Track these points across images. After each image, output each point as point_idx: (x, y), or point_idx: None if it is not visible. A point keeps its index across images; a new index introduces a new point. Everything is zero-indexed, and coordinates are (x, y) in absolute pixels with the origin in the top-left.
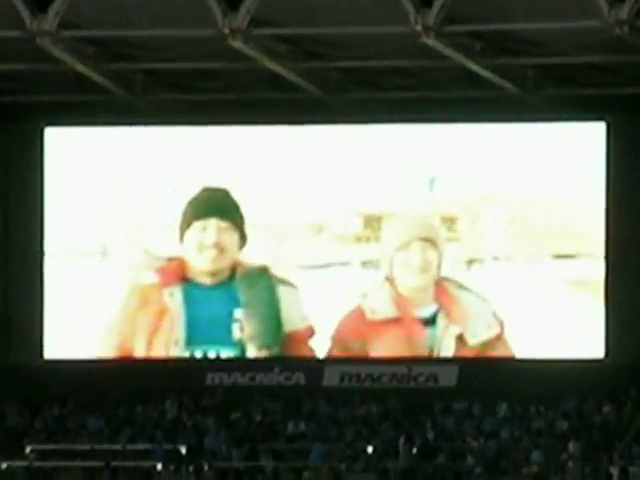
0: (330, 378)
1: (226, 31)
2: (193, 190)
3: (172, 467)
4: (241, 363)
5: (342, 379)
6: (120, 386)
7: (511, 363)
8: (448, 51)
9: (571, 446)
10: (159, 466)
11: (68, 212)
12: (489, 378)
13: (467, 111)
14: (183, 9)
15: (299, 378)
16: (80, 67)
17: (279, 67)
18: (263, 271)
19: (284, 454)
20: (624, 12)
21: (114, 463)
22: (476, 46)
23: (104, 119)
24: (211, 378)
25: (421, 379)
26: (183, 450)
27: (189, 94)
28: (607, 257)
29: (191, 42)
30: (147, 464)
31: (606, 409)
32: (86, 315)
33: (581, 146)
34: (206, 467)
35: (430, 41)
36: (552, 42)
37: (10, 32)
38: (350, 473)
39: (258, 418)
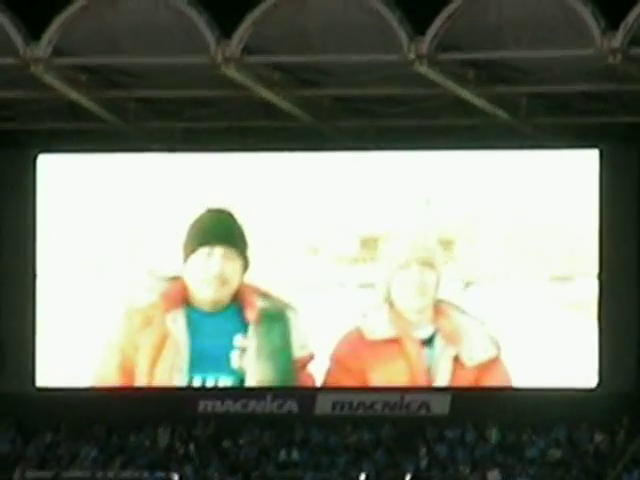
0: (322, 406)
1: (219, 59)
2: (193, 211)
3: None
4: (234, 391)
5: (334, 407)
6: (113, 414)
7: (504, 391)
8: (441, 79)
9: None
10: None
11: (61, 237)
12: (482, 406)
13: (460, 139)
14: (176, 37)
15: (291, 406)
16: (73, 94)
17: (272, 95)
18: (279, 312)
19: None
20: (617, 40)
21: None
22: (469, 74)
23: (97, 146)
24: (204, 406)
25: (413, 407)
26: (176, 478)
27: (182, 122)
28: (600, 280)
29: (184, 70)
30: None
31: (598, 437)
32: (83, 338)
33: (574, 173)
34: None
35: (423, 69)
36: (545, 70)
37: (3, 59)
38: None
39: (250, 446)
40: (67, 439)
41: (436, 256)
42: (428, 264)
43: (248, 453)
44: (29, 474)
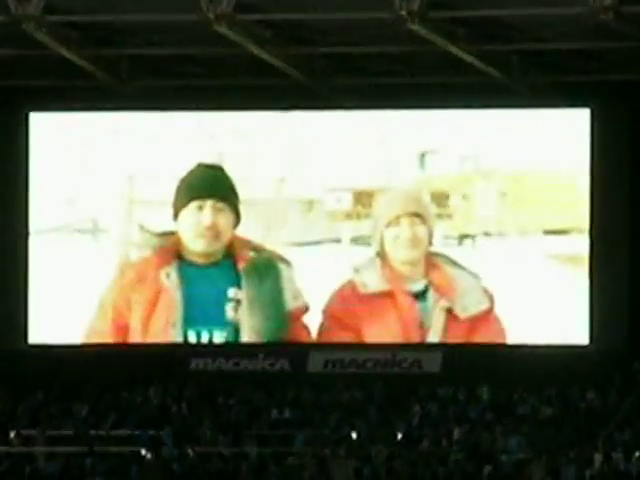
0: (314, 364)
1: (211, 16)
2: (186, 167)
3: (156, 453)
4: (225, 349)
5: (326, 365)
6: (104, 371)
7: (496, 349)
8: (432, 37)
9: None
10: (143, 451)
11: (53, 195)
12: (473, 364)
13: (452, 96)
14: None
15: (283, 364)
16: (65, 52)
17: (264, 53)
18: (269, 262)
19: (269, 440)
20: None
21: (98, 448)
22: (460, 32)
23: (89, 104)
24: (195, 364)
25: (405, 365)
26: (167, 436)
27: (174, 79)
28: (591, 238)
29: (176, 27)
30: (131, 449)
31: (590, 395)
32: (76, 294)
33: (566, 131)
34: (190, 452)
35: (414, 27)
36: (537, 28)
37: None
38: (334, 459)
39: (242, 404)
40: (59, 397)
41: (429, 210)
42: (419, 217)
43: (240, 411)
44: (21, 432)
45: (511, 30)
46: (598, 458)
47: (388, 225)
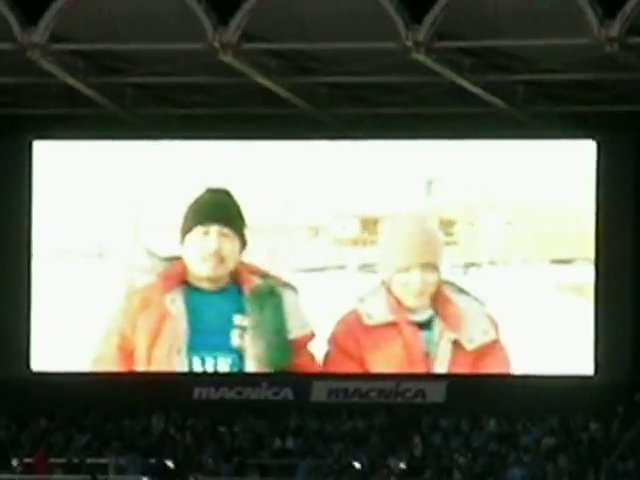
0: (318, 393)
1: (216, 45)
2: (192, 193)
3: None
4: (229, 378)
5: (330, 395)
6: (108, 400)
7: (500, 379)
8: (438, 67)
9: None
10: None
11: (57, 222)
12: (477, 394)
13: (457, 127)
14: (174, 23)
15: (287, 393)
16: (70, 80)
17: (269, 82)
18: (272, 289)
19: (271, 469)
20: (615, 29)
21: (101, 477)
22: (466, 62)
23: (94, 133)
24: (199, 393)
25: (409, 395)
26: (170, 464)
27: (179, 108)
28: (596, 268)
29: (181, 56)
30: (134, 478)
31: (593, 426)
32: (80, 321)
33: (571, 162)
34: None
35: (420, 57)
36: (542, 59)
37: (0, 45)
38: None
39: (245, 433)
40: (62, 425)
41: (440, 253)
42: (432, 266)
43: (243, 440)
44: (24, 460)
45: (517, 61)
46: None
47: (398, 272)
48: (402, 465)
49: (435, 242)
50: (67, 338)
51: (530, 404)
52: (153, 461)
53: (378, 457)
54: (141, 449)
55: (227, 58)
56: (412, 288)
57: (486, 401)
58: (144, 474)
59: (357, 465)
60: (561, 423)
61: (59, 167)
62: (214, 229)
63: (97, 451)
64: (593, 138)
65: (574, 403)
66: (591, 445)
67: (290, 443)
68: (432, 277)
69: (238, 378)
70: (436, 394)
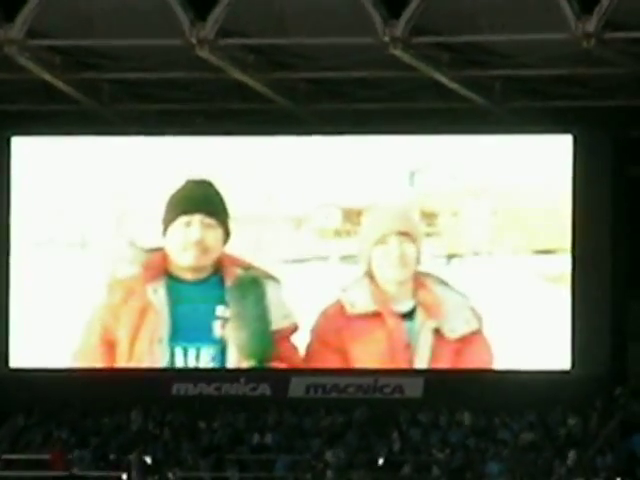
0: (296, 389)
1: (194, 41)
2: (173, 183)
3: (138, 477)
4: (207, 374)
5: (308, 390)
6: (86, 396)
7: (478, 374)
8: (415, 62)
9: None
10: (124, 476)
11: (37, 217)
12: (455, 389)
13: (435, 122)
14: (151, 19)
15: (265, 389)
16: (47, 76)
17: (246, 77)
18: (254, 279)
19: (250, 464)
20: (592, 25)
21: (77, 473)
22: (444, 57)
23: (72, 128)
24: (177, 388)
25: (387, 390)
26: (148, 460)
27: (156, 104)
28: (574, 263)
29: (158, 52)
30: (113, 474)
31: (572, 421)
32: (61, 312)
33: (548, 156)
34: (172, 477)
35: (398, 52)
36: (519, 54)
37: None
38: None
39: (224, 429)
40: (40, 422)
41: (418, 228)
42: (409, 236)
43: (221, 436)
44: (2, 456)
45: (494, 56)
46: None
47: (376, 243)
48: (380, 460)
49: (414, 218)
50: (47, 331)
51: (508, 399)
52: (132, 457)
53: (356, 452)
54: (119, 445)
55: (204, 54)
56: (391, 259)
57: (464, 396)
58: (123, 470)
59: (336, 460)
60: (539, 418)
61: (38, 162)
62: (197, 219)
63: (75, 447)
64: (570, 132)
65: (552, 397)
66: (569, 440)
67: (268, 439)
68: (410, 248)
69: (217, 374)
70: (414, 389)
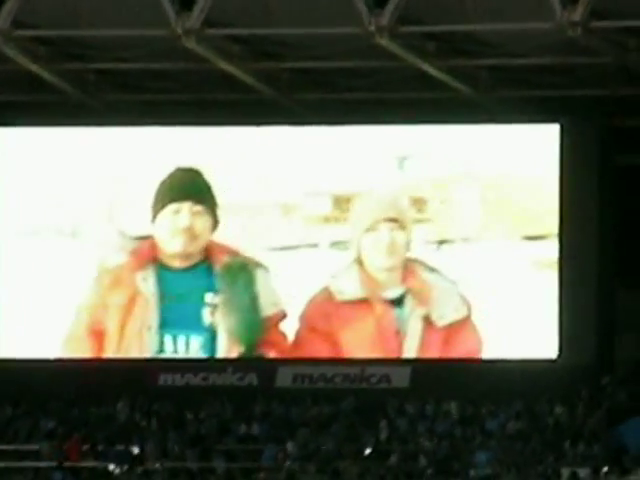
0: (283, 379)
1: (179, 31)
2: (164, 172)
3: (125, 468)
4: (194, 364)
5: (295, 380)
6: (73, 386)
7: (465, 363)
8: (402, 52)
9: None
10: (111, 467)
11: (24, 207)
12: (442, 379)
13: (422, 112)
14: (136, 9)
15: (252, 379)
16: (33, 67)
17: (232, 68)
18: (244, 265)
19: (237, 455)
20: (577, 14)
21: (66, 464)
22: (430, 47)
23: (57, 119)
24: (164, 379)
25: (374, 380)
26: (135, 451)
27: (142, 94)
28: (561, 251)
29: (144, 42)
30: (100, 465)
31: (558, 410)
32: (49, 301)
33: (536, 145)
34: (159, 467)
35: (384, 42)
36: (505, 43)
37: None
38: (303, 474)
39: (211, 419)
40: (27, 412)
41: (407, 215)
42: (399, 223)
43: (208, 426)
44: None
45: (480, 45)
46: (566, 473)
47: (366, 231)
48: (368, 450)
49: (403, 205)
50: (36, 320)
51: (495, 388)
52: (119, 448)
53: (344, 442)
54: (106, 436)
55: (190, 44)
56: (380, 246)
57: (451, 386)
58: (110, 461)
59: (323, 450)
60: (526, 407)
61: (25, 153)
62: (186, 206)
63: (63, 438)
64: (557, 121)
65: (539, 386)
66: (556, 429)
67: (255, 429)
68: (399, 235)
69: (203, 364)
70: (401, 379)
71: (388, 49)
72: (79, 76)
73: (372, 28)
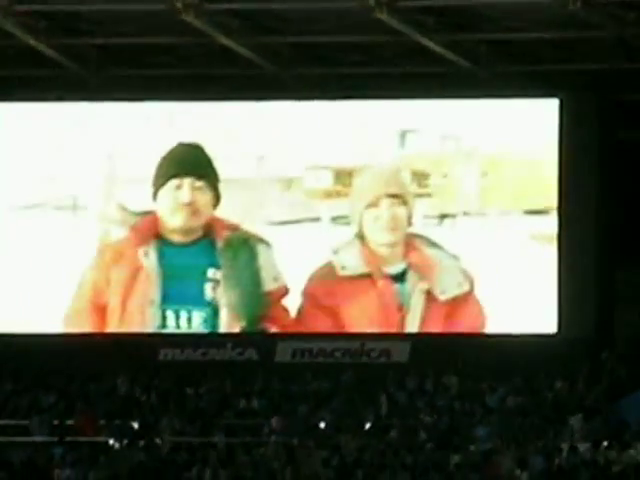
0: (282, 354)
1: (179, 6)
2: (164, 146)
3: (125, 442)
4: (193, 339)
5: (294, 355)
6: (73, 361)
7: (465, 339)
8: (401, 26)
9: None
10: (111, 441)
11: (24, 176)
12: (441, 353)
13: (420, 87)
14: None
15: (251, 354)
16: (32, 42)
17: (232, 42)
18: (245, 240)
19: (237, 429)
20: None
21: (67, 438)
22: (429, 21)
23: (57, 94)
24: (164, 354)
25: (374, 354)
26: (136, 425)
27: (142, 69)
28: (560, 224)
29: (144, 17)
30: (100, 439)
31: (558, 384)
32: (50, 276)
33: (535, 118)
34: (159, 442)
35: (383, 16)
36: (505, 18)
37: None
38: (303, 448)
39: (210, 394)
40: (28, 387)
41: (409, 190)
42: (400, 199)
43: (208, 402)
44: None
45: (480, 19)
46: (566, 447)
47: (368, 206)
48: (367, 425)
49: (402, 178)
50: (37, 295)
51: (494, 363)
52: (118, 422)
53: (344, 417)
54: (107, 411)
55: (189, 18)
56: (382, 222)
57: (450, 360)
58: (110, 435)
59: (322, 425)
60: (526, 382)
61: (25, 128)
62: (187, 182)
63: (63, 413)
64: (556, 96)
65: (539, 361)
66: (556, 403)
67: (255, 404)
68: (401, 210)
69: (204, 339)
70: (401, 354)
71: (388, 24)
72: (79, 51)
73: (372, 2)
